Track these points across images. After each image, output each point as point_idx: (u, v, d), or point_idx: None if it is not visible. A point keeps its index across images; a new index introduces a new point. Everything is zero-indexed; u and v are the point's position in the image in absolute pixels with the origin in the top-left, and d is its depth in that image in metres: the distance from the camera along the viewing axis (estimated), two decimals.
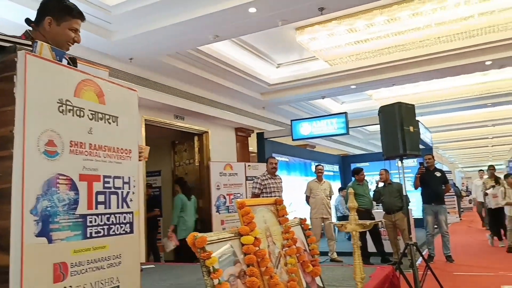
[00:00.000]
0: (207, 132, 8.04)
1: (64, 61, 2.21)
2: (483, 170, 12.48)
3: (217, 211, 7.41)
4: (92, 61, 5.05)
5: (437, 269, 5.84)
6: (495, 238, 8.79)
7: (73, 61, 2.12)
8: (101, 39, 5.16)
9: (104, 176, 2.05)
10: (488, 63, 7.02)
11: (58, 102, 1.87)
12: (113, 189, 2.10)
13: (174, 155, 8.57)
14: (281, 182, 6.50)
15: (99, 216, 1.99)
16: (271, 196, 6.16)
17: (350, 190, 1.75)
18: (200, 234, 1.39)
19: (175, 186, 7.41)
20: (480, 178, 11.93)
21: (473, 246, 9.01)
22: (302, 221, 2.24)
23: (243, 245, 1.59)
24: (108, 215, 2.05)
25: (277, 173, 6.49)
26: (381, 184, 7.33)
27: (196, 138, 8.06)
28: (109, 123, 2.13)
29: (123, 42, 5.31)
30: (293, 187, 9.87)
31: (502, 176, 8.92)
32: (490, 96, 10.17)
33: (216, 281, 1.36)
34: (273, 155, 8.26)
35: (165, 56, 6.06)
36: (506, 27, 6.09)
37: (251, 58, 7.34)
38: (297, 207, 9.77)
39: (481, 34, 6.33)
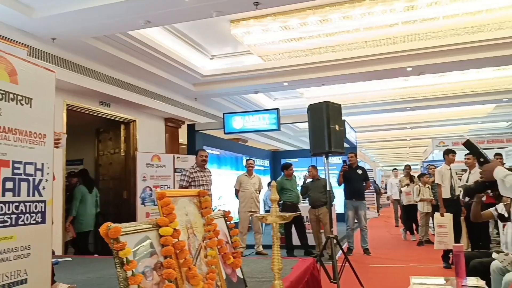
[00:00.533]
0: (135, 121, 7.76)
1: None
2: (397, 169, 13.39)
3: (143, 203, 7.20)
4: (9, 38, 4.65)
5: (355, 261, 6.17)
6: (408, 232, 9.48)
7: None
8: (20, 16, 4.76)
9: (14, 162, 1.90)
10: (409, 69, 7.51)
11: None
12: (23, 176, 1.95)
13: (98, 143, 8.18)
14: (211, 175, 6.47)
15: (7, 205, 1.84)
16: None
17: (273, 183, 1.77)
18: (114, 224, 1.33)
19: (76, 177, 7.08)
20: (394, 176, 12.77)
21: (389, 240, 9.63)
22: (225, 214, 2.24)
23: (161, 236, 1.54)
24: (17, 204, 1.91)
25: (207, 166, 6.45)
26: (309, 180, 7.57)
27: (122, 126, 7.74)
28: (22, 104, 1.97)
29: (45, 21, 4.94)
30: (224, 181, 9.89)
31: (416, 176, 9.65)
32: (410, 100, 10.90)
33: (129, 273, 1.31)
34: (204, 147, 8.19)
35: (91, 38, 5.74)
36: (426, 36, 6.55)
37: (185, 48, 7.19)
38: (227, 201, 9.81)
39: (404, 41, 6.74)
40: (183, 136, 9.40)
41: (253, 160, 7.88)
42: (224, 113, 8.85)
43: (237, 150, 11.54)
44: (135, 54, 6.53)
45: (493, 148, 12.39)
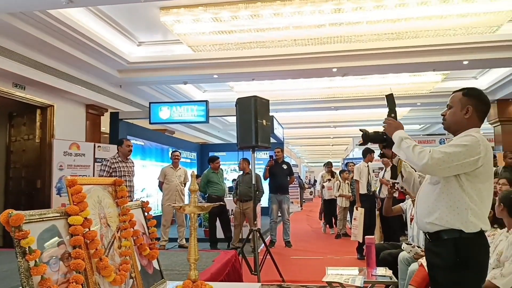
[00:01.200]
0: (53, 106, 7.25)
1: None
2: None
3: (58, 194, 6.78)
4: None
5: (276, 253, 6.34)
6: (327, 226, 9.93)
7: None
8: None
9: None
10: (334, 70, 7.83)
11: None
12: None
13: (10, 128, 7.52)
14: (133, 166, 6.25)
15: None
16: None
17: (192, 172, 1.75)
18: (15, 212, 1.23)
19: None
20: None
21: (310, 233, 10.02)
22: (143, 204, 2.17)
23: (70, 225, 1.45)
24: None
25: (130, 157, 6.22)
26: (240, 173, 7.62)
27: (38, 111, 7.19)
28: None
29: None
30: (148, 173, 9.63)
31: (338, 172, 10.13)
32: (334, 100, 11.39)
33: (32, 263, 1.21)
34: (128, 137, 7.89)
35: (6, 14, 5.25)
36: (350, 39, 6.87)
37: (110, 32, 6.86)
38: (150, 193, 9.57)
39: (330, 42, 7.01)
40: (105, 125, 8.98)
41: (179, 152, 7.74)
42: (150, 103, 8.59)
43: (163, 142, 11.29)
44: (55, 35, 6.09)
45: None
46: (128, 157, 6.11)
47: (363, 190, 6.56)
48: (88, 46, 6.64)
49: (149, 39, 7.46)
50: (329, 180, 9.89)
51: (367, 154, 6.66)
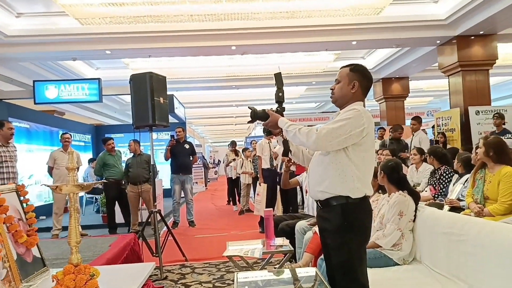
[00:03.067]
0: None
1: None
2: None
3: None
4: None
5: (180, 234, 6.28)
6: (231, 203, 10.10)
7: None
8: None
9: None
10: (233, 47, 7.84)
11: None
12: None
13: None
14: (16, 150, 5.65)
15: None
16: (2, 167, 5.31)
17: (70, 149, 1.61)
18: None
19: None
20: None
21: (214, 211, 10.08)
22: (18, 187, 1.95)
23: None
24: None
25: (12, 141, 5.60)
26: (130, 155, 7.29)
27: None
28: None
29: None
30: (36, 158, 8.80)
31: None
32: (235, 79, 11.47)
33: None
34: (9, 119, 7.08)
35: None
36: (247, 16, 6.90)
37: None
38: (40, 179, 8.77)
39: (228, 19, 6.98)
40: None
41: (70, 134, 7.16)
42: (34, 81, 7.79)
43: (52, 124, 10.36)
44: None
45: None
46: (9, 141, 5.49)
47: (266, 165, 6.73)
48: None
49: (30, 10, 6.71)
50: (234, 160, 10.01)
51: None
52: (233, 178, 10.12)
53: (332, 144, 2.03)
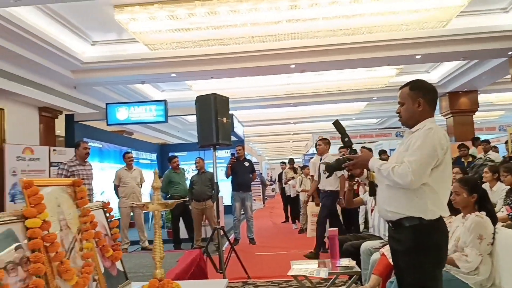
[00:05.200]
0: (3, 109, 6.88)
1: None
2: (284, 163, 14.10)
3: (12, 201, 6.46)
4: None
5: (241, 251, 6.34)
6: (291, 221, 10.07)
7: None
8: None
9: None
10: (292, 66, 7.94)
11: None
12: None
13: None
14: (92, 169, 6.06)
15: None
16: None
17: (155, 170, 1.73)
18: None
19: None
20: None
21: (273, 229, 10.10)
22: (104, 205, 2.11)
23: (28, 229, 1.39)
24: None
25: (88, 159, 6.03)
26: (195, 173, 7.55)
27: None
28: None
29: None
30: (107, 176, 9.34)
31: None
32: (293, 96, 11.54)
33: None
34: (85, 140, 7.63)
35: None
36: (307, 35, 6.97)
37: (61, 31, 6.61)
38: (110, 196, 9.29)
39: (288, 39, 7.09)
40: (60, 127, 8.63)
41: (132, 153, 7.57)
42: (107, 103, 8.35)
43: (122, 143, 10.99)
44: (3, 34, 5.80)
45: (364, 142, 13.78)
46: (85, 160, 5.92)
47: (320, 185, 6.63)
48: (38, 46, 6.36)
49: (103, 38, 7.25)
50: (293, 178, 10.00)
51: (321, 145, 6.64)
52: (291, 196, 10.10)
53: (426, 175, 2.01)
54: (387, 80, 10.37)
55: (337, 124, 2.43)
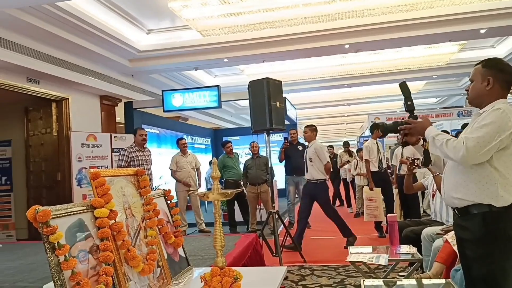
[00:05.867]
0: (67, 98, 7.29)
1: None
2: (332, 146, 13.79)
3: (79, 185, 6.88)
4: None
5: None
6: (346, 205, 9.94)
7: None
8: None
9: None
10: (346, 46, 7.68)
11: None
12: None
13: (27, 123, 7.61)
14: (150, 154, 6.29)
15: None
16: None
17: (214, 160, 1.73)
18: (42, 207, 1.23)
19: None
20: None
21: None
22: (166, 193, 2.17)
23: (96, 218, 1.46)
24: None
25: (146, 145, 6.26)
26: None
27: (54, 105, 7.25)
28: None
29: None
30: (164, 160, 9.69)
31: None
32: (347, 77, 11.22)
33: (62, 258, 1.22)
34: (143, 126, 7.93)
35: (16, 10, 5.25)
36: (362, 13, 6.70)
37: (119, 22, 6.82)
38: (168, 180, 9.64)
39: (342, 18, 6.86)
40: (120, 115, 9.02)
41: (185, 139, 7.78)
42: (163, 90, 8.58)
43: (177, 129, 11.32)
44: (65, 27, 6.08)
45: None
46: (144, 146, 6.14)
47: (374, 167, 6.47)
48: (98, 37, 6.62)
49: (158, 26, 7.41)
50: (348, 161, 9.82)
51: (375, 130, 6.44)
52: (347, 180, 9.94)
53: (482, 155, 1.88)
54: (448, 57, 9.78)
55: (403, 85, 2.35)
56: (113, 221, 1.51)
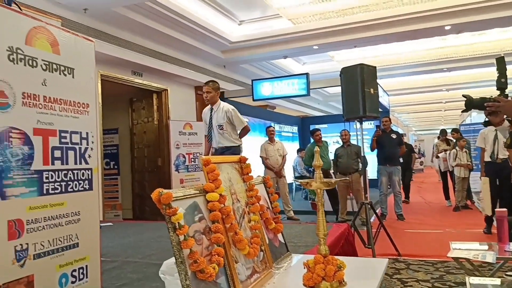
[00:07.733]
0: (166, 90, 7.82)
1: (14, 6, 2.02)
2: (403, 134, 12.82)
3: (176, 170, 7.37)
4: (42, 10, 4.70)
5: (389, 226, 6.14)
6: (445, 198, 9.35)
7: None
8: None
9: (60, 131, 1.94)
10: (447, 27, 7.16)
11: (8, 50, 1.72)
12: (70, 145, 2.00)
13: (132, 112, 8.33)
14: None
15: (56, 172, 1.90)
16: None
17: (316, 149, 1.75)
18: (165, 190, 1.35)
19: None
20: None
21: (422, 205, 9.52)
22: (265, 179, 2.24)
23: (208, 202, 1.56)
24: (66, 171, 1.97)
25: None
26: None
27: (155, 95, 7.83)
28: (65, 75, 2.00)
29: None
30: (254, 148, 9.93)
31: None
32: (447, 61, 10.46)
33: (182, 237, 1.33)
34: None
35: (122, 8, 5.73)
36: None
37: (213, 14, 7.09)
38: (257, 168, 9.89)
39: None
40: None
41: (273, 127, 7.88)
42: (252, 80, 8.76)
43: (265, 117, 11.50)
44: (164, 22, 6.50)
45: None
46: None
47: (487, 157, 5.95)
48: (194, 30, 6.97)
49: (249, 17, 7.56)
50: (445, 150, 9.20)
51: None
52: (442, 171, 9.33)
53: None
54: None
55: (500, 60, 2.18)
56: (222, 205, 1.60)
